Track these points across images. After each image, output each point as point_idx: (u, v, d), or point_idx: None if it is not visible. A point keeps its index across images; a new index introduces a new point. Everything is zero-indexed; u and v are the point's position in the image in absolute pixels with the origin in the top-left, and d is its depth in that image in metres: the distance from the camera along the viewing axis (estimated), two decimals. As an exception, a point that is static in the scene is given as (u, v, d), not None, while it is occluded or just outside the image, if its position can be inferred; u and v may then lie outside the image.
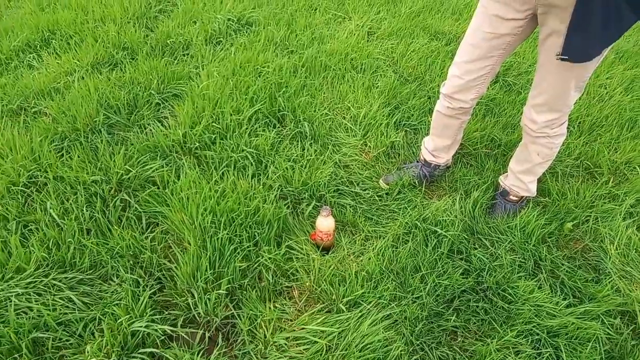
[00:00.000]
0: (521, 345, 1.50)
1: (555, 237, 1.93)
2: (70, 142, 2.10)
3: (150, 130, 2.25)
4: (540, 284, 1.70)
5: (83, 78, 2.54)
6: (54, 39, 2.91)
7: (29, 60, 2.73)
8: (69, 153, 2.04)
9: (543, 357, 1.48)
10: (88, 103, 2.30)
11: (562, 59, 1.46)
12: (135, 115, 2.32)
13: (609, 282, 1.74)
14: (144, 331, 1.42)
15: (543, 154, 1.84)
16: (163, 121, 2.33)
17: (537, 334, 1.54)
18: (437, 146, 2.07)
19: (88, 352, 1.36)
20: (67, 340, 1.41)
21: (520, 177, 1.96)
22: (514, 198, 2.02)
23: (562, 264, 1.81)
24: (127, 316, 1.44)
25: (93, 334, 1.43)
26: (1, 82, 2.49)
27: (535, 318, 1.57)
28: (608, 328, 1.60)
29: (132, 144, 2.12)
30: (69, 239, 1.66)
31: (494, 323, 1.58)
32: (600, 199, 2.11)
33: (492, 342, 1.50)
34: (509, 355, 1.47)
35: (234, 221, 1.73)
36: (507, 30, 1.58)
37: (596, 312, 1.63)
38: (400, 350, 1.45)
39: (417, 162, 2.17)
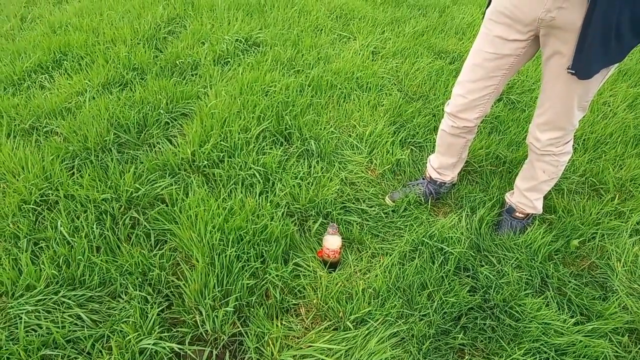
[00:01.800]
0: (529, 363, 1.50)
1: (561, 254, 1.93)
2: (81, 161, 2.14)
3: (160, 148, 2.29)
4: (548, 302, 1.70)
5: (94, 98, 2.59)
6: (65, 60, 2.98)
7: (41, 81, 2.79)
8: (80, 172, 2.08)
9: (552, 376, 1.48)
10: (99, 122, 2.34)
11: (571, 73, 1.49)
12: (145, 134, 2.37)
13: (617, 300, 1.74)
14: (152, 349, 1.43)
15: (549, 171, 1.85)
16: (172, 140, 2.36)
17: (545, 352, 1.53)
18: (442, 164, 2.09)
19: (97, 369, 1.37)
20: (75, 358, 1.42)
21: (526, 195, 1.97)
22: (520, 215, 2.03)
23: (569, 282, 1.81)
24: (136, 334, 1.45)
25: (101, 351, 1.44)
26: (14, 102, 2.54)
27: (543, 336, 1.57)
28: (616, 346, 1.59)
29: (142, 163, 2.16)
30: (79, 257, 1.68)
31: (502, 341, 1.57)
32: (606, 216, 2.11)
33: (500, 361, 1.49)
34: (517, 374, 1.47)
35: (242, 239, 1.75)
36: (509, 51, 1.61)
37: (604, 329, 1.62)
38: (408, 369, 1.45)
39: (423, 179, 2.19)
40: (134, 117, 2.41)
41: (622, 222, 2.07)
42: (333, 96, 2.78)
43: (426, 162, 2.19)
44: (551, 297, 1.73)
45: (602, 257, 1.93)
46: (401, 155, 2.35)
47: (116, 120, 2.38)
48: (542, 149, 1.77)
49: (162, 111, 2.49)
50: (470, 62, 1.73)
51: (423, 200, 2.10)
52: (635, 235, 2.02)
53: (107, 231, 1.80)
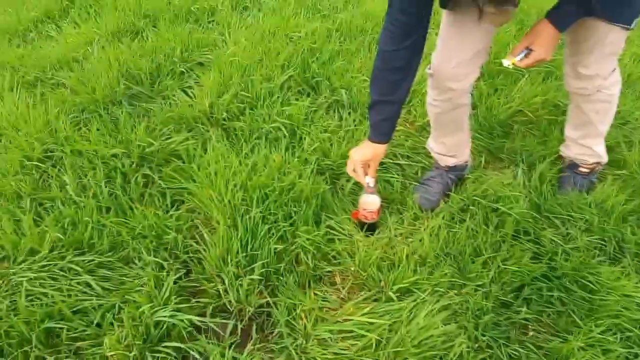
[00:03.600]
0: (609, 343, 1.26)
1: (637, 215, 1.65)
2: (88, 114, 1.95)
3: (175, 100, 2.08)
4: (628, 271, 1.45)
5: (103, 48, 2.39)
6: (72, 8, 2.78)
7: (47, 31, 2.59)
8: (87, 125, 1.89)
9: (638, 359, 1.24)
10: (108, 73, 2.14)
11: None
12: (159, 85, 2.16)
13: None
14: (169, 322, 1.25)
15: (603, 109, 1.58)
16: (188, 91, 2.14)
17: (628, 330, 1.29)
18: (453, 143, 1.69)
19: (106, 344, 1.20)
20: (83, 331, 1.25)
21: (583, 143, 1.69)
22: (585, 170, 1.74)
23: (649, 247, 1.55)
24: (150, 304, 1.27)
25: (112, 323, 1.27)
26: (19, 54, 2.36)
27: (624, 311, 1.32)
28: None
29: (155, 116, 1.96)
30: (87, 218, 1.50)
31: (574, 315, 1.34)
32: (688, 171, 1.81)
33: (574, 339, 1.26)
34: (596, 356, 1.23)
35: (268, 198, 1.54)
36: None
37: (696, 303, 1.36)
38: (465, 347, 1.24)
39: (437, 168, 1.76)
40: (146, 67, 2.20)
41: None
42: (364, 42, 2.50)
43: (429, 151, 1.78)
44: (630, 265, 1.47)
45: (686, 218, 1.65)
46: (444, 105, 2.08)
47: (127, 71, 2.18)
48: (590, 88, 1.50)
49: (176, 60, 2.27)
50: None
51: (445, 196, 1.71)
52: None
53: (118, 190, 1.61)
